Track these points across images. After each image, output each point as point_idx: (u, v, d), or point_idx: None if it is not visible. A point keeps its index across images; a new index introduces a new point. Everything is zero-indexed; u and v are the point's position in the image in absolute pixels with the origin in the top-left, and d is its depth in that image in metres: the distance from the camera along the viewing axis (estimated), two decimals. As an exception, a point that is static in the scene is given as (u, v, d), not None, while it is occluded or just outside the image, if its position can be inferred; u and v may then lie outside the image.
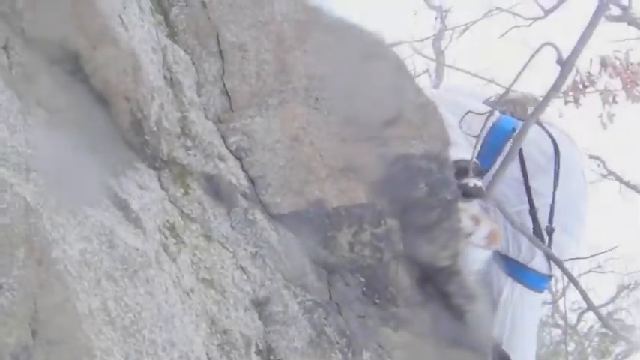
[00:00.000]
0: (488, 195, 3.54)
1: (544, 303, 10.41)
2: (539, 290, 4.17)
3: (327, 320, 2.85)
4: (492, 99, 4.34)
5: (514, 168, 3.87)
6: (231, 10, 2.90)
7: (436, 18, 11.65)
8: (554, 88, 3.37)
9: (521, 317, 4.02)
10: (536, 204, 3.92)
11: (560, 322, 10.55)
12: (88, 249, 2.00)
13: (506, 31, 9.38)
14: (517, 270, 3.97)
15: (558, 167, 3.88)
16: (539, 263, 3.96)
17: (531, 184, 3.92)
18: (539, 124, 4.04)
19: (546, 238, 4.00)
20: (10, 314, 1.79)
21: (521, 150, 3.84)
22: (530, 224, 3.95)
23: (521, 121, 3.95)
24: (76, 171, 2.17)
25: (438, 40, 11.26)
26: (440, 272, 3.13)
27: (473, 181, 3.53)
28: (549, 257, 3.85)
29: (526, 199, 3.97)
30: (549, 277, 4.13)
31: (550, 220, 3.97)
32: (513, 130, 3.89)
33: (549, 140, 3.98)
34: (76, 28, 2.25)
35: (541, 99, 3.48)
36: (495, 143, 3.81)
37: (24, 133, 2.05)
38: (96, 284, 1.96)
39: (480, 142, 3.69)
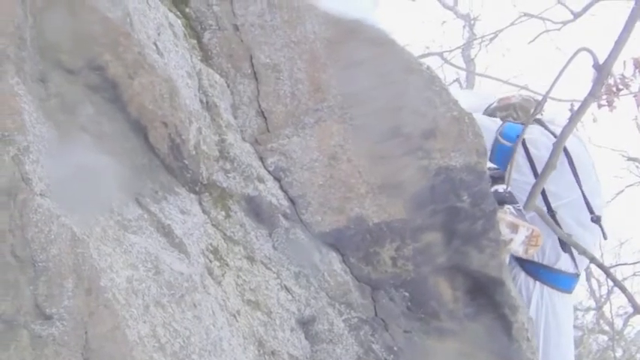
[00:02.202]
0: (530, 206, 3.49)
1: (589, 309, 10.26)
2: (569, 291, 4.08)
3: (373, 337, 2.83)
4: (494, 105, 4.30)
5: (526, 172, 3.80)
6: (264, 32, 2.92)
7: (464, 27, 11.60)
8: (592, 94, 3.31)
9: (554, 320, 3.94)
10: (553, 206, 3.83)
11: (606, 328, 10.36)
12: (135, 276, 2.01)
13: (537, 36, 9.31)
14: (543, 273, 3.87)
15: (574, 165, 3.79)
16: (564, 263, 3.87)
17: (546, 186, 3.83)
18: (542, 123, 3.98)
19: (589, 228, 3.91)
20: (62, 344, 1.80)
21: (530, 153, 3.78)
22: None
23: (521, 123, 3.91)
24: (119, 199, 2.19)
25: (468, 48, 11.18)
26: (490, 282, 3.10)
27: (502, 187, 3.47)
28: (596, 264, 3.77)
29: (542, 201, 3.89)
30: (577, 275, 4.04)
31: (591, 210, 3.88)
32: (518, 137, 3.84)
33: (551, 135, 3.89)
34: (113, 57, 2.27)
35: (578, 105, 3.42)
36: (504, 151, 3.74)
37: (66, 164, 2.07)
38: (144, 311, 1.97)
39: (493, 150, 3.63)
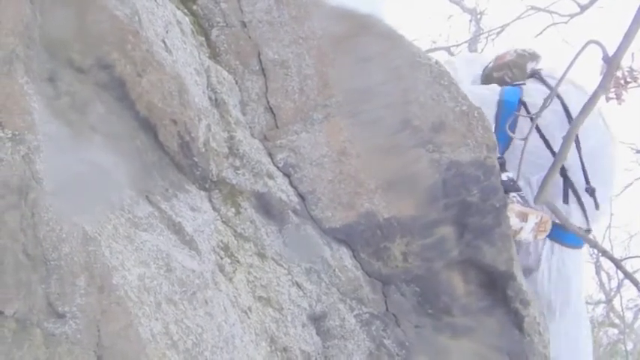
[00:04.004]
0: (541, 199, 3.47)
1: (599, 302, 10.23)
2: (579, 246, 4.06)
3: (385, 332, 2.83)
4: (490, 65, 4.27)
5: (533, 138, 3.75)
6: (272, 28, 2.92)
7: (471, 21, 11.57)
8: (601, 86, 3.28)
9: (563, 278, 3.93)
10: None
11: (617, 321, 10.34)
12: (147, 274, 2.01)
13: (543, 30, 9.29)
14: (553, 230, 3.85)
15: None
16: (575, 220, 3.86)
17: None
18: (541, 79, 3.97)
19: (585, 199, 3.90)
20: (75, 342, 1.80)
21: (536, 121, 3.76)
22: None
23: (518, 85, 3.88)
24: (129, 197, 2.19)
25: (474, 43, 11.15)
26: (501, 276, 3.10)
27: (505, 175, 3.45)
28: (607, 257, 3.76)
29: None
30: (588, 231, 4.02)
31: (587, 181, 3.87)
32: (520, 101, 3.82)
33: (557, 100, 3.85)
34: (121, 55, 2.27)
35: (588, 98, 3.39)
36: (506, 121, 3.69)
37: (77, 162, 2.07)
38: (156, 308, 1.97)
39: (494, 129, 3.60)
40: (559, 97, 3.80)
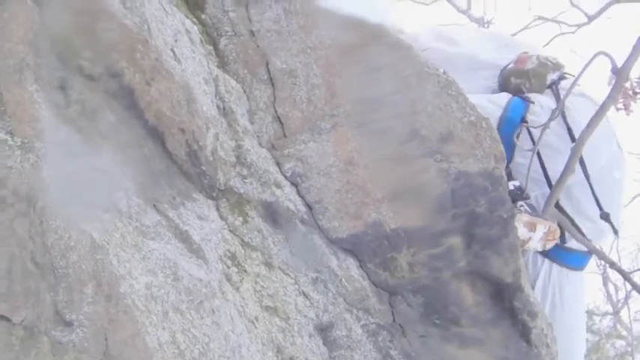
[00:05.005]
0: (547, 211, 3.45)
1: (606, 314, 10.17)
2: (580, 268, 3.99)
3: (391, 343, 2.82)
4: (510, 66, 4.15)
5: (529, 156, 3.70)
6: (280, 38, 2.92)
7: (478, 31, 11.55)
8: (610, 97, 3.28)
9: (561, 301, 3.87)
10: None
11: (624, 333, 10.27)
12: (154, 282, 2.01)
13: (551, 40, 9.26)
14: (553, 250, 3.78)
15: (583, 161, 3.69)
16: (572, 245, 3.81)
17: (550, 168, 3.75)
18: (557, 94, 3.89)
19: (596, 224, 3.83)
20: (82, 350, 1.81)
21: (531, 134, 3.71)
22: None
23: (527, 100, 3.81)
24: (137, 205, 2.19)
25: (481, 53, 11.11)
26: (507, 288, 3.09)
27: (512, 183, 3.42)
28: (615, 269, 3.73)
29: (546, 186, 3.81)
30: (590, 254, 3.94)
31: (600, 207, 3.80)
32: (522, 120, 3.76)
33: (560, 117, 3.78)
34: (130, 64, 2.27)
35: (597, 109, 3.38)
36: (508, 137, 3.64)
37: (85, 170, 2.07)
38: (163, 317, 1.97)
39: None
40: (563, 116, 3.74)
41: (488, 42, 4.43)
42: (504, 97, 3.91)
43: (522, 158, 3.69)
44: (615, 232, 3.83)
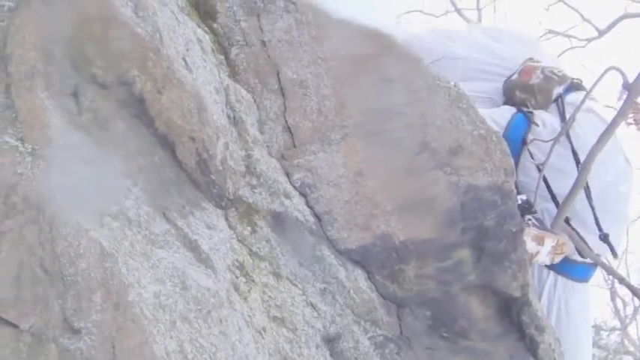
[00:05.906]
0: (556, 226, 3.44)
1: (614, 329, 10.11)
2: (585, 280, 3.96)
3: (398, 355, 2.81)
4: (514, 77, 4.05)
5: (533, 174, 3.67)
6: (291, 48, 2.92)
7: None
8: (621, 113, 3.27)
9: (567, 314, 3.85)
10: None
11: (632, 348, 10.22)
12: (162, 291, 2.01)
13: (561, 53, 9.28)
14: (558, 263, 3.75)
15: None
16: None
17: (555, 188, 3.72)
18: (562, 110, 3.84)
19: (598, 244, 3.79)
20: (90, 358, 1.80)
21: (533, 155, 3.69)
22: None
23: (531, 121, 3.77)
24: (146, 213, 2.19)
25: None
26: (515, 302, 3.07)
27: (520, 198, 3.39)
28: (624, 285, 3.69)
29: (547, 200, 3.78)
30: (595, 265, 3.90)
31: (599, 228, 3.76)
32: (523, 141, 3.72)
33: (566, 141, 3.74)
34: (141, 72, 2.28)
35: (607, 125, 3.37)
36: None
37: (95, 178, 2.07)
38: (171, 326, 1.97)
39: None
40: (567, 134, 3.70)
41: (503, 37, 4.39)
42: (507, 114, 3.85)
43: (525, 177, 3.69)
44: (614, 254, 3.79)
